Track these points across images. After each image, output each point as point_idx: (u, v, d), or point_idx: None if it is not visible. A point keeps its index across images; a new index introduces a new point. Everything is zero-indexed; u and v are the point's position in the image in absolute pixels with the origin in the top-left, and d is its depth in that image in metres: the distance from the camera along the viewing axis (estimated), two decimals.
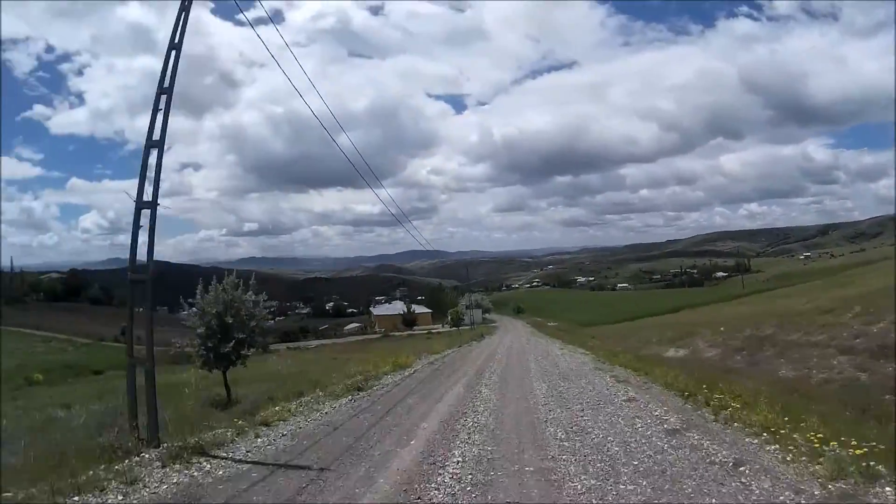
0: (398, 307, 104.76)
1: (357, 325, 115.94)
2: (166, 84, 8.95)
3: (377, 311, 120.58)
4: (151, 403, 8.61)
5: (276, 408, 12.37)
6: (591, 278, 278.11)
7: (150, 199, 8.78)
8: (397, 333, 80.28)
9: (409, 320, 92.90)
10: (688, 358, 23.18)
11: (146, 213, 8.75)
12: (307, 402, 13.39)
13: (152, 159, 8.85)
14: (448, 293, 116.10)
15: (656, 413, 10.10)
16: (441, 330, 79.21)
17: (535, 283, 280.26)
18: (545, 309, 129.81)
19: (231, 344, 14.75)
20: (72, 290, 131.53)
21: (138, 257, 9.37)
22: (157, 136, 8.89)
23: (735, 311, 43.52)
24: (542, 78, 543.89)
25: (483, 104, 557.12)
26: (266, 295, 16.32)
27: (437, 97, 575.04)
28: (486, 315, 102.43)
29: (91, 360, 47.78)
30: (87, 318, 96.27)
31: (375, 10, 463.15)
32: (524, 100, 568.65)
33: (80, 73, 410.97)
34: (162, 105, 8.86)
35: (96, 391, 23.08)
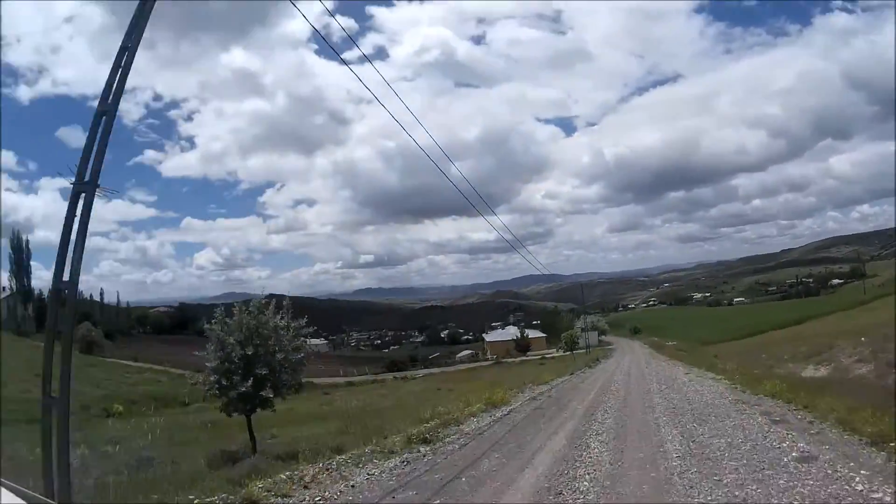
0: (511, 332, 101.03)
1: (469, 352, 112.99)
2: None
3: (490, 337, 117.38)
4: (63, 459, 5.88)
5: (286, 474, 9.10)
6: (707, 294, 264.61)
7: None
8: (510, 360, 76.95)
9: (522, 346, 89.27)
10: (835, 377, 19.57)
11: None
12: (344, 463, 10.03)
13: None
14: (563, 316, 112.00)
15: (857, 486, 6.56)
16: (555, 354, 75.27)
17: (651, 302, 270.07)
18: (662, 328, 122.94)
19: (249, 382, 11.80)
20: (178, 322, 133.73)
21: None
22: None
23: (868, 320, 38.74)
24: (648, 94, 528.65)
25: (592, 125, 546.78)
26: (306, 319, 13.61)
27: (547, 121, 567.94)
28: (603, 337, 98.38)
29: (179, 391, 45.51)
30: (191, 349, 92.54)
31: (478, 40, 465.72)
32: (632, 117, 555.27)
33: (189, 118, 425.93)
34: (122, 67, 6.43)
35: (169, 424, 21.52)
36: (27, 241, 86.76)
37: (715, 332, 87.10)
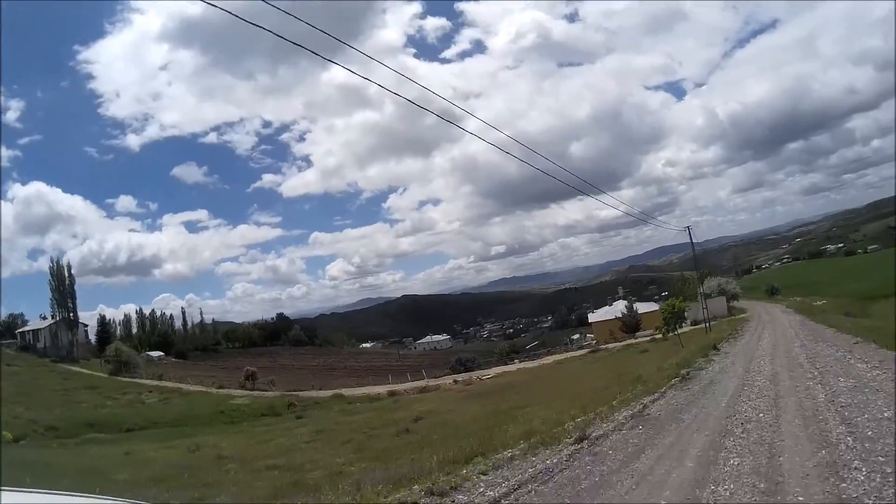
0: (619, 308, 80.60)
1: (577, 336, 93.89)
2: None
3: (594, 316, 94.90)
4: None
5: None
6: (840, 245, 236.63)
7: None
8: (612, 345, 58.44)
9: (630, 325, 70.50)
10: None
11: None
12: None
13: None
14: (689, 282, 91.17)
15: None
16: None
17: (784, 260, 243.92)
18: (803, 285, 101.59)
19: None
20: (270, 334, 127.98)
21: None
22: None
23: None
24: (749, 45, 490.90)
25: (700, 85, 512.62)
26: None
27: (655, 88, 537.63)
28: (735, 303, 78.04)
29: (169, 412, 41.97)
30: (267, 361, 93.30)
31: (571, 18, 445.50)
32: (738, 72, 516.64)
33: (301, 139, 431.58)
34: None
35: None
36: (69, 266, 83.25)
37: (867, 284, 68.78)
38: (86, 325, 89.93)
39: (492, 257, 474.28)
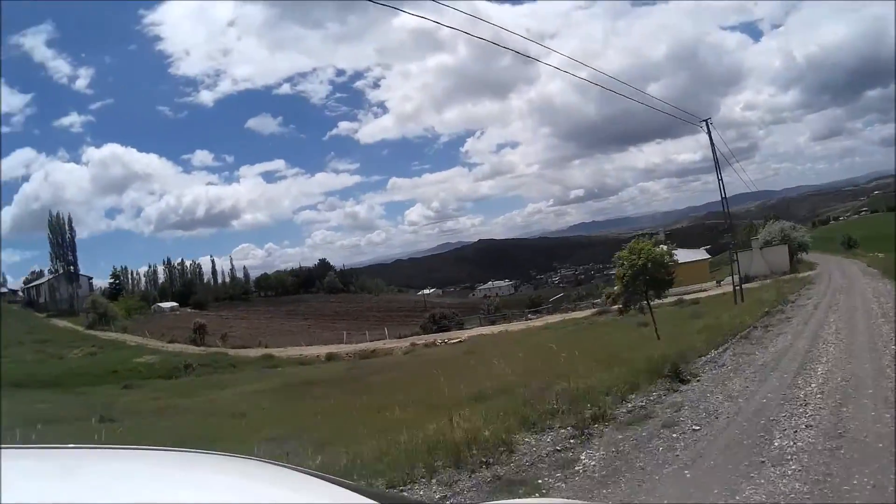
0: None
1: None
2: None
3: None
4: None
5: None
6: None
7: None
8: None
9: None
10: None
11: None
12: None
13: None
14: (751, 228, 74.87)
15: None
16: (713, 291, 45.15)
17: (862, 211, 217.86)
18: (887, 239, 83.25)
19: None
20: (304, 281, 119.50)
21: None
22: None
23: None
24: None
25: (777, 26, 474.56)
26: None
27: (732, 28, 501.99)
28: (803, 255, 62.61)
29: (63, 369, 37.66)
30: (278, 310, 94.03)
31: None
32: (816, 12, 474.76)
33: (375, 85, 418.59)
34: None
35: None
36: (69, 219, 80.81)
37: None
38: (90, 278, 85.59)
39: (571, 201, 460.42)
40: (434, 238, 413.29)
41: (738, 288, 33.18)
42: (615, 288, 22.79)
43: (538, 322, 47.29)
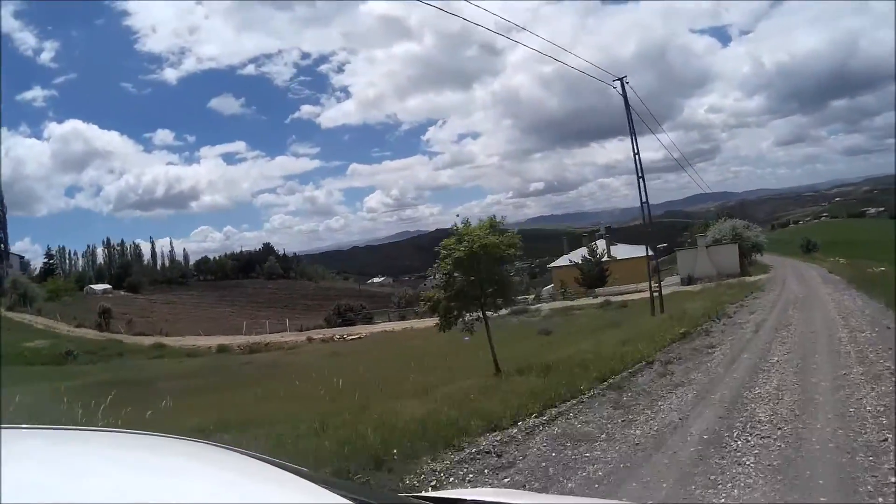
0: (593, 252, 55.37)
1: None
2: None
3: (560, 261, 71.21)
4: None
5: None
6: (881, 209, 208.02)
7: None
8: (556, 304, 38.76)
9: (589, 278, 48.70)
10: None
11: None
12: None
13: None
14: (706, 226, 68.08)
15: None
16: (644, 294, 35.93)
17: (822, 217, 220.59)
18: (846, 244, 76.73)
19: None
20: (244, 267, 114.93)
21: None
22: None
23: None
24: None
25: (747, 32, 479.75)
26: None
27: (701, 31, 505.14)
28: (758, 257, 57.04)
29: None
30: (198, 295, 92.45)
31: None
32: (786, 21, 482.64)
33: (340, 70, 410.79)
34: None
35: None
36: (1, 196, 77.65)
37: None
38: (21, 257, 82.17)
39: (530, 193, 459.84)
40: (392, 226, 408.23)
41: (656, 295, 25.63)
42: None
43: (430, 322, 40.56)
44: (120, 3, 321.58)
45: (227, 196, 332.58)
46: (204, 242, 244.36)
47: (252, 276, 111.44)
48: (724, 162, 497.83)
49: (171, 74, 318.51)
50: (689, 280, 41.37)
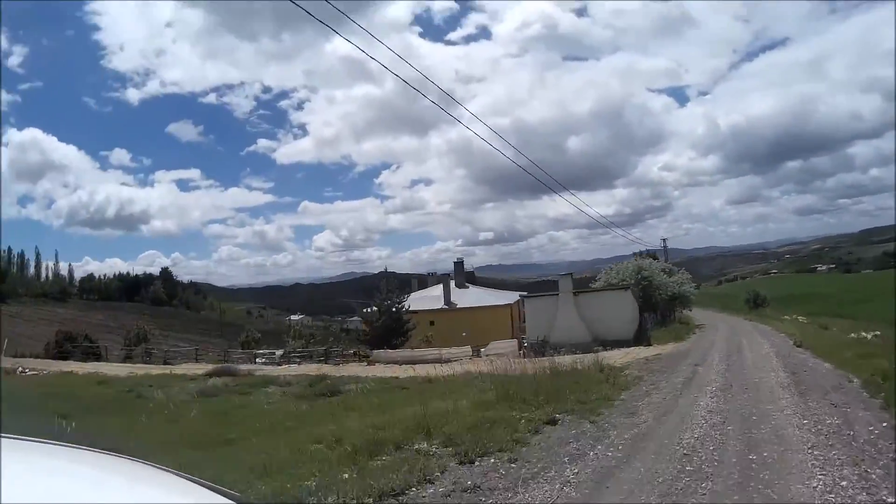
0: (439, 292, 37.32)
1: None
2: None
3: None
4: None
5: None
6: (831, 266, 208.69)
7: None
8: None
9: (385, 330, 28.96)
10: None
11: None
12: None
13: None
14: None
15: None
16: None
17: (772, 273, 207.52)
18: (803, 300, 66.34)
19: None
20: (129, 289, 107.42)
21: None
22: None
23: None
24: (757, 60, 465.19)
25: (704, 94, 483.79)
26: None
27: (659, 91, 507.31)
28: (684, 313, 41.95)
29: None
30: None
31: (580, 12, 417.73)
32: (744, 84, 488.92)
33: (299, 107, 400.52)
34: None
35: None
36: None
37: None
38: None
39: (480, 242, 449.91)
40: (339, 266, 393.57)
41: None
42: None
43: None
44: (93, 16, 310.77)
45: (177, 223, 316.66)
46: (151, 267, 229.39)
47: (136, 299, 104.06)
48: (675, 219, 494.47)
49: (133, 94, 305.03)
50: (540, 347, 22.02)
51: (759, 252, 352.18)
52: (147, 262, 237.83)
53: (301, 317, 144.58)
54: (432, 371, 16.29)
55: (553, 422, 7.96)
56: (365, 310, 31.58)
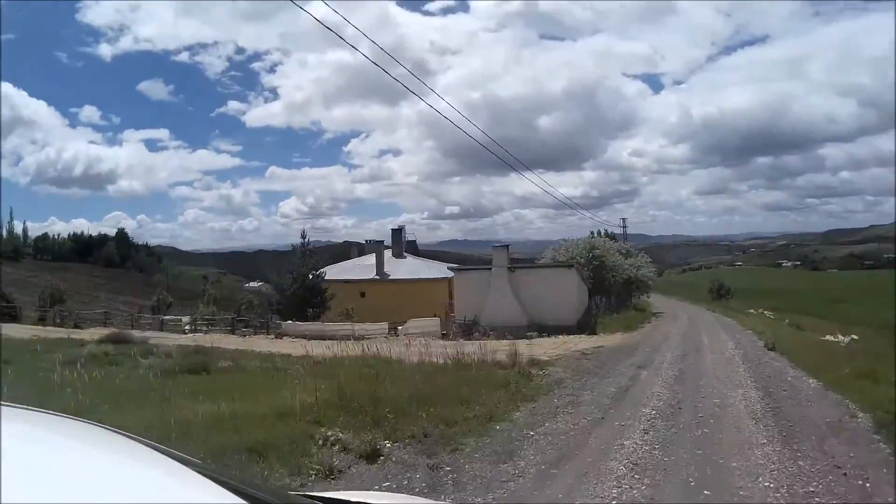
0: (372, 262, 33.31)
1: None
2: None
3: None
4: None
5: None
6: (797, 262, 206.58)
7: None
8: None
9: (297, 300, 25.56)
10: None
11: None
12: None
13: None
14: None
15: None
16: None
17: (737, 266, 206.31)
18: (768, 294, 63.28)
19: None
20: (82, 249, 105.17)
21: None
22: None
23: None
24: (736, 54, 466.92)
25: (679, 83, 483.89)
26: None
27: (634, 76, 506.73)
28: (644, 298, 40.47)
29: None
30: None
31: None
32: (720, 77, 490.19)
33: (272, 70, 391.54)
34: None
35: None
36: None
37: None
38: None
39: (445, 216, 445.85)
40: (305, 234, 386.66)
41: None
42: None
43: None
44: None
45: (144, 183, 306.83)
46: (114, 229, 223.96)
47: (89, 260, 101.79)
48: (642, 205, 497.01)
49: (105, 50, 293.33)
50: (468, 329, 18.68)
51: (725, 244, 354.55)
52: (113, 223, 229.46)
53: (260, 284, 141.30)
54: (336, 349, 12.96)
55: (374, 456, 4.96)
56: (277, 276, 27.84)
